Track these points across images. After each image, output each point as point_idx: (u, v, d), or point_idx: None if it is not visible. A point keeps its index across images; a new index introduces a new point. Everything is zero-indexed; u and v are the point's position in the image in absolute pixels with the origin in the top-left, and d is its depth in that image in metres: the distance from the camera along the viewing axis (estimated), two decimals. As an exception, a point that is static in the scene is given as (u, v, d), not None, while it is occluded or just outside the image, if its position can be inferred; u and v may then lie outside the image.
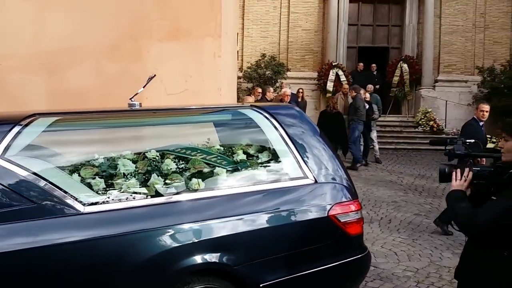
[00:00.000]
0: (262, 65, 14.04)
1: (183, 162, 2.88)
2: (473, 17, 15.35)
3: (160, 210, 2.69)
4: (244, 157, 3.07)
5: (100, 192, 2.62)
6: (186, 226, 2.65)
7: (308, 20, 15.11)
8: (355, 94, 10.54)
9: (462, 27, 15.33)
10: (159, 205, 2.69)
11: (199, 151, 2.99)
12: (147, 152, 2.86)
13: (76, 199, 2.54)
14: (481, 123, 5.92)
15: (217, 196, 2.84)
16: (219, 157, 3.01)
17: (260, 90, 11.31)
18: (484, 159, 2.90)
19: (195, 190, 2.79)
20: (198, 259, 2.62)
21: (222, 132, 3.34)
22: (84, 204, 2.54)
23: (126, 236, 2.53)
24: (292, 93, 10.66)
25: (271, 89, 10.21)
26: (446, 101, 14.36)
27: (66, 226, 2.50)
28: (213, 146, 3.07)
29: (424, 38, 15.14)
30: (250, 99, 8.86)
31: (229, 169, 2.98)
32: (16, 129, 2.63)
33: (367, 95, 11.00)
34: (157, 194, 2.71)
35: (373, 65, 14.52)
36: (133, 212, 2.63)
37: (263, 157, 3.14)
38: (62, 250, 2.43)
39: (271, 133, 3.20)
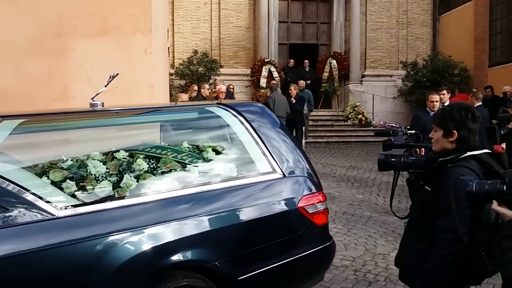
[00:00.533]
0: (195, 62, 13.88)
1: (153, 161, 2.87)
2: (396, 14, 16.10)
3: (136, 211, 2.66)
4: (214, 154, 3.11)
5: (73, 195, 2.57)
6: (162, 226, 2.64)
7: (239, 17, 15.13)
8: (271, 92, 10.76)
9: (387, 24, 16.03)
10: (133, 206, 2.66)
11: (169, 150, 3.00)
12: (115, 152, 2.83)
13: (50, 203, 2.47)
14: (431, 114, 5.79)
15: (190, 194, 2.85)
16: (189, 155, 3.03)
17: (196, 87, 11.18)
18: (423, 149, 3.01)
19: (168, 189, 2.81)
20: (176, 257, 2.64)
21: (190, 130, 3.40)
22: (58, 208, 2.48)
23: (104, 237, 2.48)
24: (228, 90, 10.64)
25: (207, 85, 10.13)
26: (373, 95, 14.97)
27: (43, 231, 2.42)
28: (182, 145, 3.10)
29: (351, 35, 15.65)
30: (184, 97, 8.73)
31: (200, 166, 3.01)
32: None
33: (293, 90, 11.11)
34: (131, 194, 2.69)
35: (306, 61, 14.83)
36: (109, 213, 2.58)
37: (233, 153, 3.21)
38: (43, 255, 2.35)
39: (240, 130, 3.25)
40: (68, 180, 2.58)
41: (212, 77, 13.66)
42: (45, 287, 2.35)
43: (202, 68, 13.67)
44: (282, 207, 3.09)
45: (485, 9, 14.34)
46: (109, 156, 2.81)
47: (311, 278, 3.31)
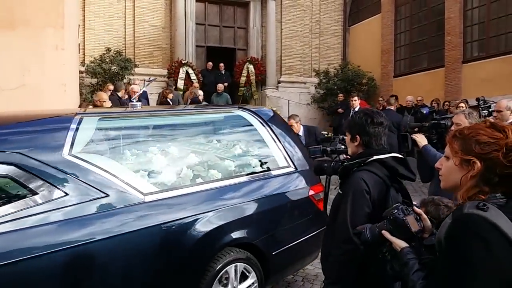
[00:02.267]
0: (107, 60, 13.25)
1: (202, 155, 3.48)
2: (310, 24, 16.65)
3: (199, 198, 3.21)
4: (245, 150, 3.79)
5: (153, 183, 3.06)
6: (220, 210, 3.24)
7: (155, 16, 14.72)
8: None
9: (301, 32, 16.51)
10: (197, 193, 3.22)
11: (209, 146, 3.65)
12: (172, 147, 3.39)
13: (137, 190, 2.92)
14: None
15: (233, 185, 3.45)
16: (226, 151, 3.68)
17: (111, 86, 10.71)
18: None
19: (216, 180, 3.39)
20: (231, 236, 3.26)
21: (223, 129, 4.01)
22: (144, 194, 2.94)
23: (180, 220, 3.01)
24: (144, 91, 10.29)
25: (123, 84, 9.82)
26: (288, 100, 15.34)
27: (134, 214, 2.84)
28: (219, 142, 3.74)
29: (267, 42, 15.90)
30: (104, 96, 8.24)
31: (237, 160, 3.65)
32: (73, 127, 2.90)
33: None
34: (191, 184, 3.24)
35: (221, 64, 14.79)
36: (180, 199, 3.10)
37: (259, 150, 3.89)
38: (137, 235, 2.78)
39: (261, 130, 3.95)
40: (141, 171, 3.07)
41: (126, 76, 13.14)
42: (140, 261, 2.81)
43: (115, 67, 13.10)
44: (299, 195, 3.80)
45: (390, 23, 15.33)
46: (169, 150, 3.35)
47: (316, 253, 3.88)
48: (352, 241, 2.23)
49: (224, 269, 3.21)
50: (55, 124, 2.98)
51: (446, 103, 11.03)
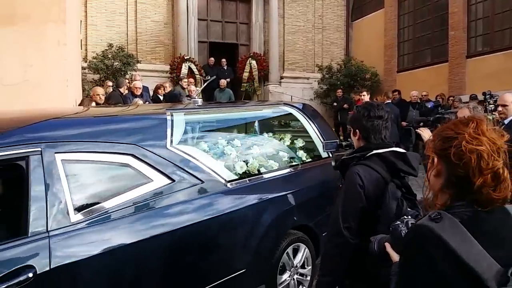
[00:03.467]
0: (110, 56, 13.22)
1: (261, 147, 3.95)
2: (313, 19, 16.57)
3: (267, 185, 3.66)
4: (296, 142, 4.26)
5: (231, 171, 3.47)
6: (284, 197, 3.72)
7: (157, 12, 14.67)
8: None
9: (303, 28, 16.44)
10: (265, 181, 3.67)
11: (266, 139, 4.16)
12: (237, 140, 3.83)
13: (221, 177, 3.34)
14: None
15: (288, 174, 3.92)
16: (278, 144, 4.15)
17: (110, 83, 10.71)
18: None
19: (274, 170, 3.81)
20: (294, 219, 3.79)
21: (274, 123, 4.61)
22: (226, 181, 3.37)
23: (259, 203, 3.49)
24: (144, 86, 10.25)
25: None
26: (291, 96, 15.27)
27: (223, 198, 3.27)
28: (274, 134, 4.27)
29: (270, 37, 15.84)
30: (100, 90, 8.22)
31: (287, 152, 4.09)
32: (169, 122, 3.28)
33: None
34: (260, 172, 3.69)
35: (223, 60, 14.74)
36: (255, 186, 3.56)
37: (307, 141, 4.36)
38: (229, 216, 3.24)
39: (305, 123, 4.44)
40: (220, 160, 3.48)
41: (128, 72, 13.11)
42: (233, 237, 3.30)
43: (117, 63, 13.06)
44: (336, 182, 4.10)
45: (394, 17, 15.25)
46: (235, 143, 3.78)
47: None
48: (342, 234, 2.25)
49: (290, 247, 3.74)
50: (156, 120, 3.32)
51: (451, 98, 10.96)
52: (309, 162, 4.20)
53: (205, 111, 4.05)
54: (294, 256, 3.85)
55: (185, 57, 14.23)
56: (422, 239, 1.24)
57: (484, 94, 5.44)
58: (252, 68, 15.27)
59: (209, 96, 13.97)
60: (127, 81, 10.26)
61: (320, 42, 16.71)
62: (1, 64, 5.30)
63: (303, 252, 3.91)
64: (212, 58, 14.80)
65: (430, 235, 1.21)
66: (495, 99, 6.01)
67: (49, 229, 2.36)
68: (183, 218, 2.96)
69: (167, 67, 14.45)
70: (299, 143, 4.29)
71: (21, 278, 2.16)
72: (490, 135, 1.28)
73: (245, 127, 4.20)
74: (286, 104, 4.73)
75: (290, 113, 4.50)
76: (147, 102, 8.54)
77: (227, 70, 14.77)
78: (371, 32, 16.25)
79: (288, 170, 3.94)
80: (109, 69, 12.90)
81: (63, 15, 6.22)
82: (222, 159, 3.51)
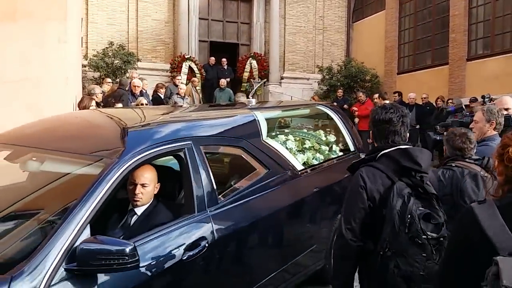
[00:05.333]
0: (110, 54, 13.22)
1: (309, 142, 4.56)
2: (314, 20, 16.57)
3: (324, 175, 4.26)
4: (333, 137, 4.83)
5: (299, 161, 4.05)
6: (334, 184, 4.27)
7: (158, 10, 14.66)
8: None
9: (304, 28, 16.44)
10: (321, 171, 4.26)
11: (310, 135, 4.73)
12: (291, 135, 4.43)
13: (294, 168, 3.87)
14: None
15: (332, 165, 4.47)
16: (319, 139, 4.71)
17: (109, 80, 10.71)
18: None
19: (322, 161, 4.42)
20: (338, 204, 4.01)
21: (316, 121, 5.35)
22: (299, 171, 3.92)
23: (323, 189, 4.07)
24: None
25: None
26: (291, 96, 15.27)
27: (298, 186, 3.84)
28: (315, 131, 4.89)
29: (270, 37, 15.84)
30: (97, 89, 8.21)
31: (328, 146, 4.68)
32: (257, 120, 3.80)
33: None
34: (314, 164, 4.28)
35: (223, 59, 14.73)
36: (318, 174, 4.17)
37: (340, 138, 4.95)
38: (308, 200, 3.89)
39: (338, 122, 5.00)
40: (288, 152, 4.00)
41: (128, 70, 13.11)
42: (312, 213, 3.96)
43: (118, 61, 13.06)
44: None
45: (395, 19, 15.25)
46: (292, 137, 4.34)
47: None
48: (343, 236, 2.27)
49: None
50: (250, 117, 3.81)
51: (450, 100, 10.95)
52: (342, 155, 4.81)
53: (268, 110, 4.54)
54: None
55: (186, 56, 14.23)
56: (464, 215, 1.59)
57: (483, 97, 5.45)
58: (253, 68, 15.27)
59: (209, 95, 13.99)
60: (129, 80, 10.26)
61: (320, 43, 16.70)
62: (1, 61, 5.29)
63: None
64: (212, 58, 14.79)
65: (469, 211, 1.54)
66: (494, 102, 6.03)
67: (207, 208, 2.88)
68: (283, 201, 3.58)
69: (168, 66, 14.45)
70: (334, 138, 4.89)
71: (200, 247, 2.69)
72: None
73: (299, 124, 4.89)
74: (321, 104, 5.65)
75: (326, 113, 5.15)
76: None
77: (228, 70, 14.77)
78: (371, 34, 16.25)
79: (330, 161, 4.52)
80: (109, 67, 12.89)
81: (63, 12, 6.21)
82: (289, 151, 4.05)
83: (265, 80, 11.70)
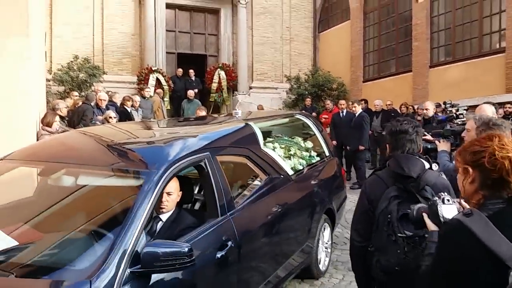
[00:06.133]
0: (75, 68, 13.00)
1: (294, 149, 4.89)
2: (281, 30, 16.75)
3: (308, 178, 4.77)
4: (311, 144, 5.27)
5: (289, 167, 4.42)
6: (317, 186, 4.82)
7: (124, 23, 14.53)
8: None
9: (271, 39, 16.59)
10: (306, 175, 4.74)
11: (292, 142, 5.08)
12: (277, 143, 4.78)
13: (287, 173, 4.28)
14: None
15: (314, 169, 5.00)
16: (300, 146, 5.10)
17: (75, 93, 10.57)
18: None
19: (306, 165, 4.85)
20: (326, 202, 4.95)
21: (294, 129, 5.60)
22: (290, 175, 4.35)
23: (312, 192, 4.67)
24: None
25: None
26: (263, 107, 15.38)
27: (292, 189, 4.30)
28: (294, 138, 5.22)
29: (238, 48, 15.91)
30: (61, 104, 8.04)
31: (308, 152, 5.11)
32: (254, 130, 4.17)
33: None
34: (300, 169, 4.67)
35: (191, 70, 14.71)
36: (303, 179, 4.65)
37: (317, 143, 5.43)
38: (300, 200, 4.40)
39: (314, 128, 5.59)
40: (279, 159, 4.33)
41: (94, 84, 12.91)
42: (300, 214, 4.39)
43: (83, 75, 12.86)
44: (338, 173, 5.65)
45: (359, 29, 15.56)
46: (279, 145, 4.70)
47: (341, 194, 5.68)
48: (352, 237, 2.65)
49: (323, 225, 4.83)
50: (247, 129, 4.14)
51: (410, 107, 11.20)
52: (322, 159, 5.31)
53: (259, 120, 4.82)
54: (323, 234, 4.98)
55: (153, 68, 14.14)
56: (454, 230, 1.56)
57: (444, 103, 5.60)
58: (221, 79, 15.29)
59: (177, 107, 13.93)
60: (95, 94, 10.10)
61: (288, 53, 16.89)
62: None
63: (328, 230, 5.05)
64: (180, 69, 14.75)
65: (460, 226, 1.52)
66: (456, 108, 6.22)
67: (227, 212, 3.18)
68: (283, 203, 3.97)
69: (135, 78, 14.32)
70: (311, 144, 5.26)
71: (228, 247, 3.00)
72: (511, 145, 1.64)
73: (277, 133, 5.14)
74: (299, 113, 6.18)
75: (302, 121, 5.64)
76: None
77: (195, 81, 14.75)
78: (337, 43, 16.53)
79: (311, 166, 4.90)
80: (74, 81, 12.68)
81: (25, 28, 6.09)
82: (281, 158, 4.40)
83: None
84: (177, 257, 2.35)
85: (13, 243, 2.53)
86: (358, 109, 9.84)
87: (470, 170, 1.66)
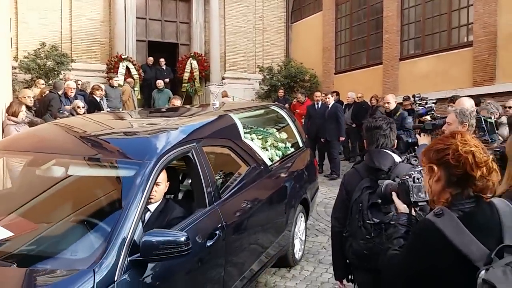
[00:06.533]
0: (42, 55, 12.63)
1: (271, 139, 4.95)
2: (253, 20, 16.67)
3: (285, 167, 4.86)
4: (286, 134, 5.30)
5: (267, 157, 4.49)
6: (294, 176, 4.97)
7: (93, 9, 14.17)
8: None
9: (244, 29, 16.50)
10: (283, 165, 4.83)
11: (268, 132, 5.04)
12: (255, 133, 4.75)
13: (266, 164, 4.36)
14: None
15: (290, 159, 5.07)
16: (277, 136, 5.13)
17: (42, 81, 10.30)
18: None
19: (282, 156, 4.88)
20: (301, 192, 5.06)
21: (269, 119, 5.64)
22: (268, 165, 4.44)
23: (288, 181, 4.75)
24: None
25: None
26: (233, 96, 15.28)
27: (274, 176, 4.47)
28: (270, 129, 5.21)
29: (211, 37, 15.76)
30: (29, 92, 7.78)
31: (285, 143, 5.15)
32: (236, 121, 4.23)
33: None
34: (277, 159, 4.74)
35: (161, 59, 14.50)
36: (281, 169, 4.73)
37: (291, 133, 5.50)
38: (279, 188, 4.53)
39: (288, 119, 5.68)
40: (259, 149, 4.44)
41: (62, 72, 12.59)
42: (279, 202, 4.50)
43: (51, 62, 12.50)
44: (311, 163, 5.77)
45: (331, 20, 15.63)
46: (257, 135, 4.72)
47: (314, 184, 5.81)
48: (332, 223, 2.92)
49: (298, 215, 4.98)
50: (228, 120, 4.20)
51: (380, 99, 11.27)
52: (297, 150, 5.39)
53: (238, 112, 4.81)
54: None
55: (123, 56, 13.87)
56: (426, 231, 1.61)
57: (413, 96, 5.69)
58: (193, 68, 15.13)
59: (148, 97, 13.73)
60: (64, 82, 9.84)
61: (261, 43, 16.83)
62: None
63: (303, 220, 5.20)
64: (151, 58, 14.53)
65: (431, 227, 1.57)
66: (425, 101, 6.32)
67: (214, 202, 3.26)
68: (264, 193, 4.15)
69: (104, 67, 14.02)
70: (286, 135, 5.28)
71: (217, 236, 3.12)
72: (474, 141, 1.67)
73: (254, 124, 5.09)
74: (273, 104, 6.33)
75: (278, 112, 5.73)
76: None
77: (166, 70, 14.55)
78: (310, 35, 16.57)
79: (287, 157, 4.97)
80: (41, 69, 12.34)
81: (-12, 13, 5.86)
82: (260, 148, 4.49)
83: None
84: (175, 246, 2.42)
85: (8, 234, 2.53)
86: (331, 101, 9.93)
87: (435, 168, 1.68)
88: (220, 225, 3.22)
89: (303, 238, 5.29)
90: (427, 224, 1.60)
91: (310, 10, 16.80)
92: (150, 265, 2.51)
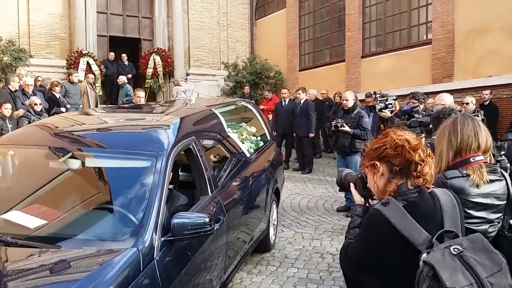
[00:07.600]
0: (-2, 50, 12.17)
1: (245, 133, 5.17)
2: (217, 16, 16.57)
3: (260, 159, 5.15)
4: (255, 129, 5.54)
5: (244, 149, 4.77)
6: (267, 167, 5.34)
7: (52, 4, 13.75)
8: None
9: (208, 24, 16.39)
10: (258, 157, 5.12)
11: (239, 127, 5.24)
12: (231, 127, 4.92)
13: (246, 155, 4.70)
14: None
15: (262, 152, 5.38)
16: (249, 130, 5.37)
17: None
18: None
19: (254, 149, 5.13)
20: (273, 182, 5.37)
21: (239, 115, 5.90)
22: (248, 157, 4.74)
23: (265, 172, 5.15)
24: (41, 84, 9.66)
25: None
26: (198, 93, 15.14)
27: (253, 166, 4.80)
28: (240, 124, 5.42)
29: (174, 32, 15.57)
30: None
31: (256, 137, 5.43)
32: (218, 115, 4.57)
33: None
34: (252, 152, 5.01)
35: (123, 55, 14.24)
36: (256, 160, 5.02)
37: (260, 127, 5.84)
38: (258, 179, 4.90)
39: (256, 114, 6.09)
40: (240, 142, 4.77)
41: (19, 67, 12.15)
42: (260, 189, 4.86)
43: (7, 58, 12.06)
44: (277, 155, 6.13)
45: (295, 18, 15.75)
46: (233, 129, 4.94)
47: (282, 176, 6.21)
48: None
49: (272, 203, 5.32)
50: (214, 115, 4.52)
51: (336, 96, 11.36)
52: (267, 143, 5.72)
53: (217, 107, 5.03)
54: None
55: (83, 52, 13.53)
56: (374, 219, 1.72)
57: (374, 93, 5.79)
58: (156, 64, 14.92)
59: (110, 93, 13.49)
60: (17, 78, 9.50)
61: (225, 39, 16.76)
62: None
63: (275, 207, 5.53)
64: (112, 53, 14.24)
65: (378, 215, 1.69)
66: (385, 98, 6.46)
67: (214, 190, 3.56)
68: (248, 181, 4.51)
69: (64, 62, 13.64)
70: (255, 129, 5.51)
71: (221, 222, 3.39)
72: (406, 133, 1.80)
73: (228, 119, 5.18)
74: (242, 100, 6.73)
75: (247, 106, 6.08)
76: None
77: (129, 66, 14.31)
78: (274, 31, 16.63)
79: (259, 150, 5.27)
80: (-2, 64, 11.87)
81: None
82: (239, 141, 4.74)
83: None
84: (200, 226, 2.71)
85: (42, 222, 2.73)
86: (302, 96, 9.95)
87: (377, 163, 1.80)
88: (222, 210, 3.56)
89: (276, 225, 5.64)
90: (375, 212, 1.72)
91: (274, 7, 16.86)
92: (176, 245, 2.81)
